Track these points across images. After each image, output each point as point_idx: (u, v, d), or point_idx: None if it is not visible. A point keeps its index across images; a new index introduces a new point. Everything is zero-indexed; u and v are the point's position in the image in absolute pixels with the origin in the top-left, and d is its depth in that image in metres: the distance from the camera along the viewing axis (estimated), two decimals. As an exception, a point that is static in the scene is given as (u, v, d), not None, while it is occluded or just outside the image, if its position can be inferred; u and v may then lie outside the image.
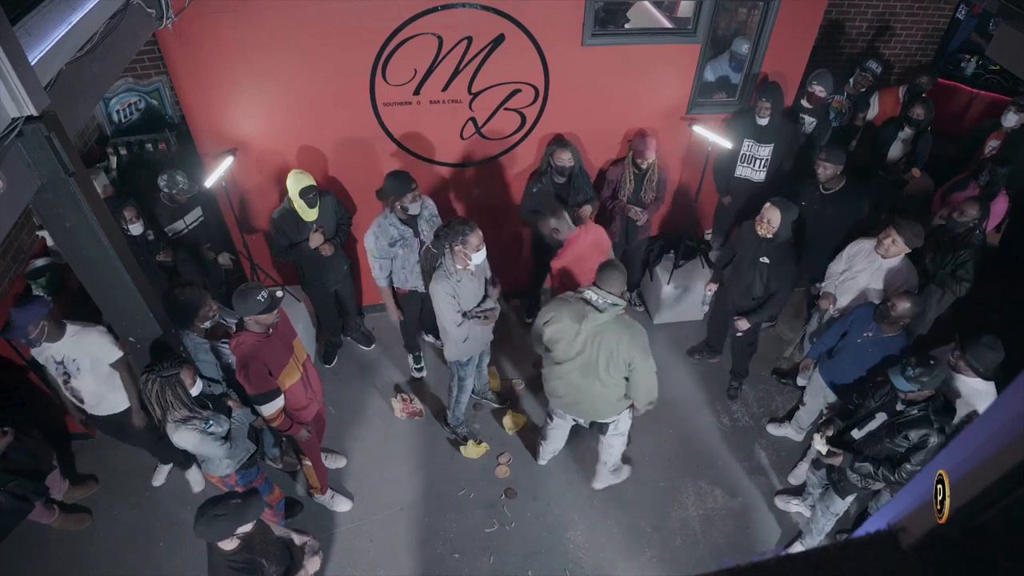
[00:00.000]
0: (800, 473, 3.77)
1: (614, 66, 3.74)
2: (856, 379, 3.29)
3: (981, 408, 2.91)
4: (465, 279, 3.14)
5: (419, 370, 4.40)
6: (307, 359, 3.21)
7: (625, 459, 3.80)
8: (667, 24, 4.41)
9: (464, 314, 3.21)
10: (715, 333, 4.40)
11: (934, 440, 2.64)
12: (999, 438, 0.71)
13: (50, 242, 3.97)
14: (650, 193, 4.04)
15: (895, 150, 4.67)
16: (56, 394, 3.33)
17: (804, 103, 4.47)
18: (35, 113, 1.73)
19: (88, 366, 3.07)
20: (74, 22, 2.02)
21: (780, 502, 3.72)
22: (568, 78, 3.73)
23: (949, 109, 5.52)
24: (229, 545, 2.31)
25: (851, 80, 4.77)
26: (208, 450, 2.63)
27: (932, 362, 2.59)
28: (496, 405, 4.23)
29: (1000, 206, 4.16)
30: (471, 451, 3.93)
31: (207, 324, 2.97)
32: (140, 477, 3.80)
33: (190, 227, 3.92)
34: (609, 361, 2.87)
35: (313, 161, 3.83)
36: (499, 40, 3.51)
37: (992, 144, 4.55)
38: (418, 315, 4.06)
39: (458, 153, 4.00)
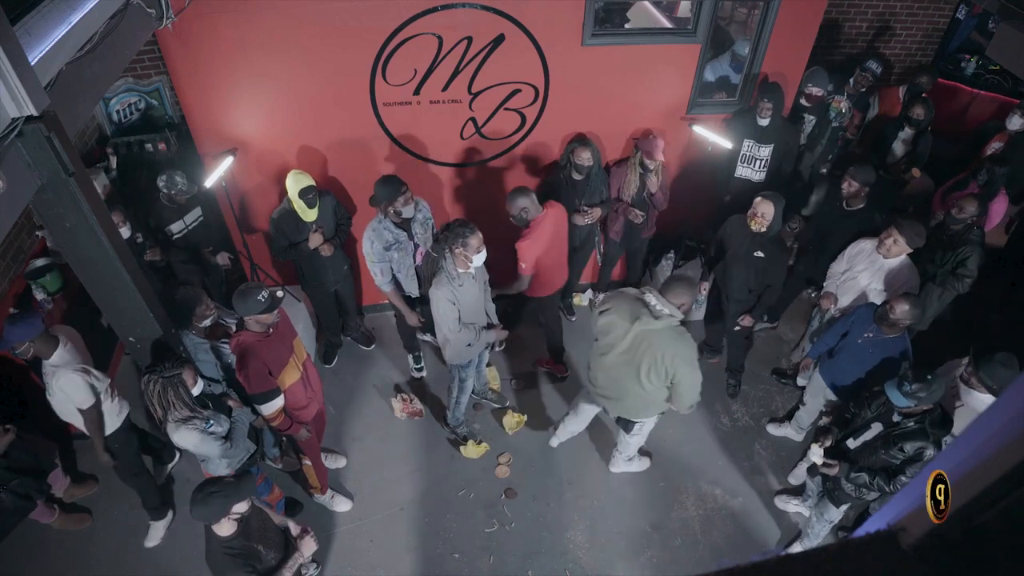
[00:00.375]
0: (800, 473, 3.77)
1: (614, 66, 3.74)
2: (856, 379, 3.29)
3: None
4: (467, 283, 3.13)
5: (419, 370, 4.41)
6: (307, 359, 3.21)
7: (644, 452, 3.83)
8: (667, 24, 4.41)
9: (464, 322, 3.21)
10: (713, 332, 4.41)
11: (930, 453, 2.62)
12: (999, 438, 0.71)
13: (50, 242, 3.97)
14: (658, 194, 4.03)
15: (895, 150, 4.68)
16: None
17: (803, 102, 4.47)
18: (35, 113, 1.73)
19: (59, 398, 2.97)
20: (74, 22, 2.02)
21: (780, 502, 3.72)
22: (568, 78, 3.73)
23: (949, 109, 5.52)
24: (226, 531, 2.31)
25: (851, 80, 4.78)
26: (208, 450, 2.64)
27: (930, 377, 2.55)
28: (496, 405, 4.23)
29: (1000, 206, 4.17)
30: (471, 451, 3.93)
31: (205, 323, 2.98)
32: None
33: (190, 227, 3.92)
34: (651, 368, 2.84)
35: (313, 161, 3.83)
36: (499, 40, 3.51)
37: (995, 145, 4.56)
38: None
39: (458, 153, 4.00)
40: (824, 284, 3.82)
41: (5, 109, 1.68)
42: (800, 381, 4.11)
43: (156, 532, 3.53)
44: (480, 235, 3.00)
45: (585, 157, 3.76)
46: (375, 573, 3.42)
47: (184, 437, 2.59)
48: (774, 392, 4.40)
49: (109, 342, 4.24)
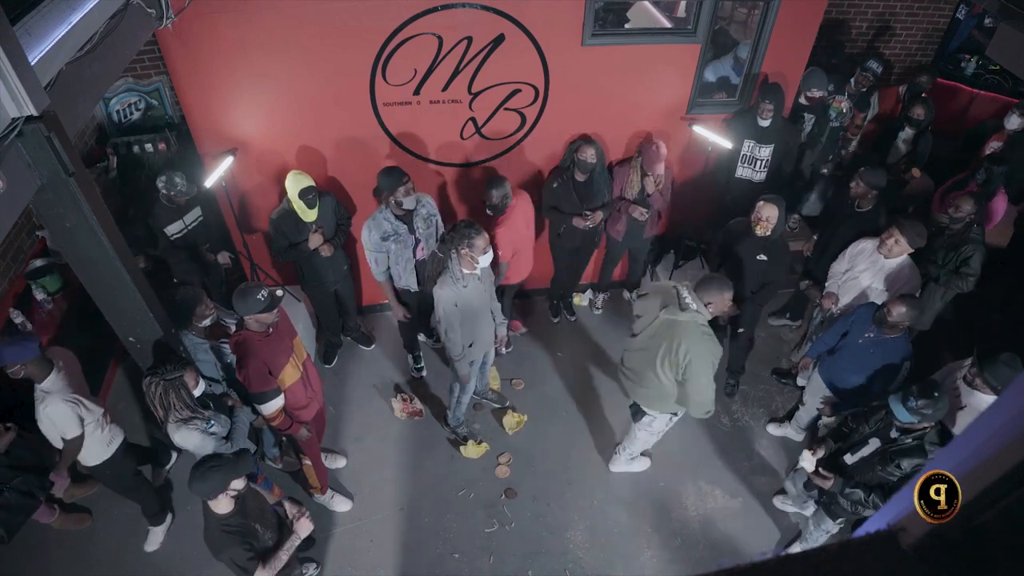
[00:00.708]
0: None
1: (614, 66, 3.74)
2: (856, 379, 3.28)
3: None
4: (472, 284, 3.13)
5: (419, 370, 4.41)
6: (307, 358, 3.21)
7: (644, 453, 3.84)
8: (667, 24, 4.41)
9: (465, 324, 3.22)
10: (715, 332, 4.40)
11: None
12: (999, 438, 0.71)
13: (50, 242, 3.97)
14: (655, 195, 4.02)
15: (895, 150, 4.68)
16: None
17: (803, 101, 4.48)
18: (35, 113, 1.73)
19: (45, 424, 2.91)
20: (74, 22, 2.02)
21: (778, 502, 3.72)
22: (568, 78, 3.73)
23: (949, 109, 5.52)
24: (223, 508, 2.33)
25: (852, 80, 4.78)
26: (209, 450, 2.64)
27: (937, 394, 2.51)
28: (496, 405, 4.23)
29: (999, 205, 4.17)
30: (471, 451, 3.93)
31: (205, 323, 2.98)
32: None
33: (189, 227, 3.91)
34: (665, 358, 2.88)
35: (313, 161, 3.83)
36: (499, 40, 3.51)
37: (993, 145, 4.56)
38: (416, 314, 4.05)
39: (458, 153, 4.00)
40: (826, 284, 3.82)
41: (5, 109, 1.68)
42: (800, 381, 4.11)
43: (155, 537, 3.52)
44: (486, 236, 3.01)
45: (590, 154, 3.75)
46: (375, 573, 3.42)
47: (185, 437, 2.60)
48: (774, 392, 4.40)
49: (107, 348, 4.24)
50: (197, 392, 2.63)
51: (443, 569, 3.44)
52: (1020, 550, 0.71)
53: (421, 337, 4.59)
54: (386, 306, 4.71)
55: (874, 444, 2.74)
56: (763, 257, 3.54)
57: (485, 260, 3.04)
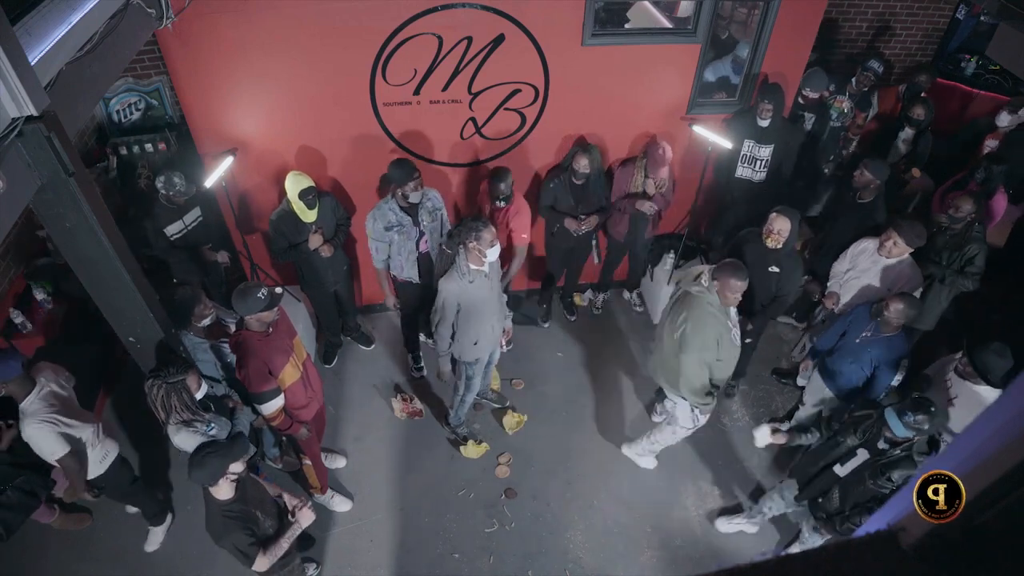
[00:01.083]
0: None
1: (614, 66, 3.74)
2: (855, 379, 3.29)
3: None
4: (478, 280, 3.13)
5: (419, 369, 4.40)
6: (307, 358, 3.21)
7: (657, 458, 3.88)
8: (667, 24, 4.41)
9: (468, 320, 3.24)
10: None
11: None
12: (999, 438, 0.71)
13: (50, 242, 3.97)
14: (656, 196, 4.03)
15: (895, 150, 4.68)
16: None
17: (801, 100, 4.48)
18: (35, 113, 1.73)
19: (32, 444, 2.83)
20: (74, 22, 2.02)
21: (722, 524, 3.61)
22: (568, 78, 3.73)
23: (949, 109, 5.52)
24: (224, 494, 2.35)
25: (853, 80, 4.78)
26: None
27: (934, 409, 2.49)
28: (496, 405, 4.23)
29: (999, 204, 4.17)
30: (471, 451, 3.93)
31: (204, 323, 2.98)
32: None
33: (189, 228, 3.91)
34: (672, 326, 3.09)
35: (313, 161, 3.83)
36: (499, 40, 3.51)
37: (990, 144, 4.57)
38: (417, 309, 4.06)
39: (458, 153, 4.00)
40: (827, 283, 3.82)
41: (5, 109, 1.68)
42: (800, 381, 4.10)
43: (155, 537, 3.52)
44: (493, 230, 3.04)
45: (583, 164, 3.79)
46: (375, 573, 3.42)
47: (185, 440, 2.60)
48: (774, 392, 4.40)
49: (107, 353, 4.24)
50: (199, 395, 2.63)
51: (443, 569, 3.44)
52: (1020, 550, 0.71)
53: (421, 337, 4.59)
54: (386, 306, 4.71)
55: (863, 455, 2.72)
56: (775, 269, 3.49)
57: (493, 254, 3.06)
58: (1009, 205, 4.40)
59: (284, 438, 3.60)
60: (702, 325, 2.95)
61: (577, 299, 4.97)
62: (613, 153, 4.23)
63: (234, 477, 2.33)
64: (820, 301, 3.90)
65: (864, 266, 3.58)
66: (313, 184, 3.52)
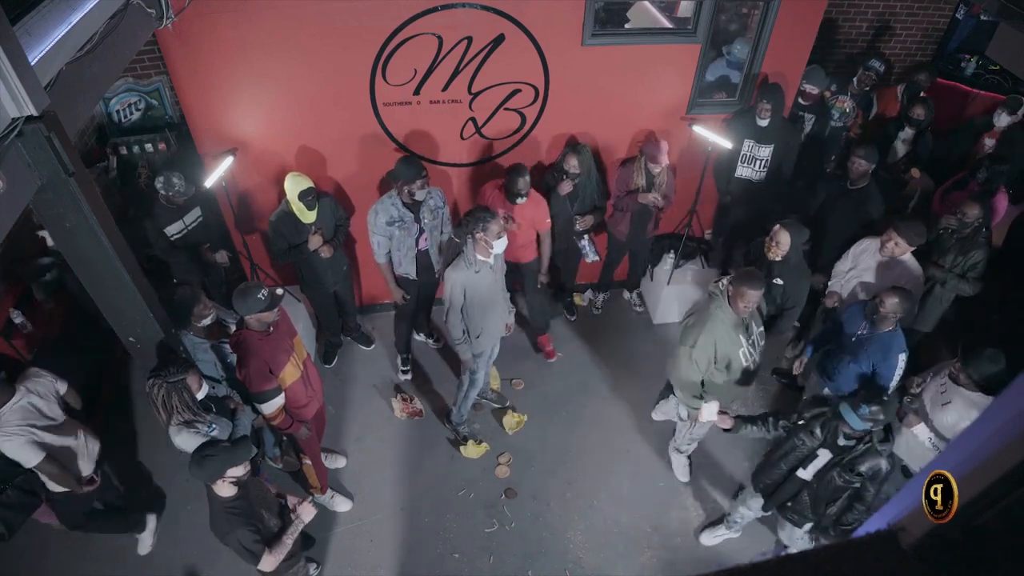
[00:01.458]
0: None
1: (614, 66, 3.74)
2: (853, 376, 3.28)
3: None
4: (484, 271, 3.18)
5: (405, 372, 4.40)
6: (307, 357, 3.21)
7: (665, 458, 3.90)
8: (667, 24, 4.41)
9: (472, 310, 3.28)
10: None
11: (885, 466, 2.62)
12: (999, 438, 0.71)
13: (50, 242, 3.97)
14: (661, 196, 4.03)
15: (896, 150, 4.68)
16: None
17: (801, 100, 4.48)
18: (35, 113, 1.73)
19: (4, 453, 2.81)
20: (74, 22, 2.02)
21: (707, 537, 3.59)
22: (568, 78, 3.73)
23: (949, 109, 5.51)
24: (226, 492, 2.35)
25: (855, 80, 4.78)
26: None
27: (886, 397, 2.54)
28: (496, 405, 4.23)
29: (1000, 204, 4.17)
30: (471, 451, 3.93)
31: (204, 323, 2.98)
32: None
33: (189, 228, 3.91)
34: (686, 319, 3.16)
35: (313, 161, 3.83)
36: (499, 40, 3.51)
37: (989, 143, 4.57)
38: (413, 308, 4.06)
39: (458, 153, 4.00)
40: (828, 283, 3.82)
41: (5, 109, 1.68)
42: (800, 381, 4.10)
43: (145, 541, 3.49)
44: (501, 222, 3.06)
45: (572, 164, 3.80)
46: (375, 573, 3.42)
47: (185, 441, 2.60)
48: (774, 392, 4.40)
49: (106, 355, 4.23)
50: (200, 395, 2.63)
51: (443, 569, 3.44)
52: (1020, 550, 0.71)
53: (421, 337, 4.59)
54: (386, 306, 4.72)
55: (825, 455, 2.73)
56: (779, 281, 3.49)
57: (499, 245, 3.09)
58: (1010, 205, 4.40)
59: (284, 438, 3.60)
60: (703, 323, 2.98)
61: (577, 299, 4.97)
62: (613, 153, 4.23)
63: (233, 479, 2.33)
64: (821, 296, 3.90)
65: (866, 265, 3.58)
66: (312, 185, 3.52)
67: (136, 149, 4.87)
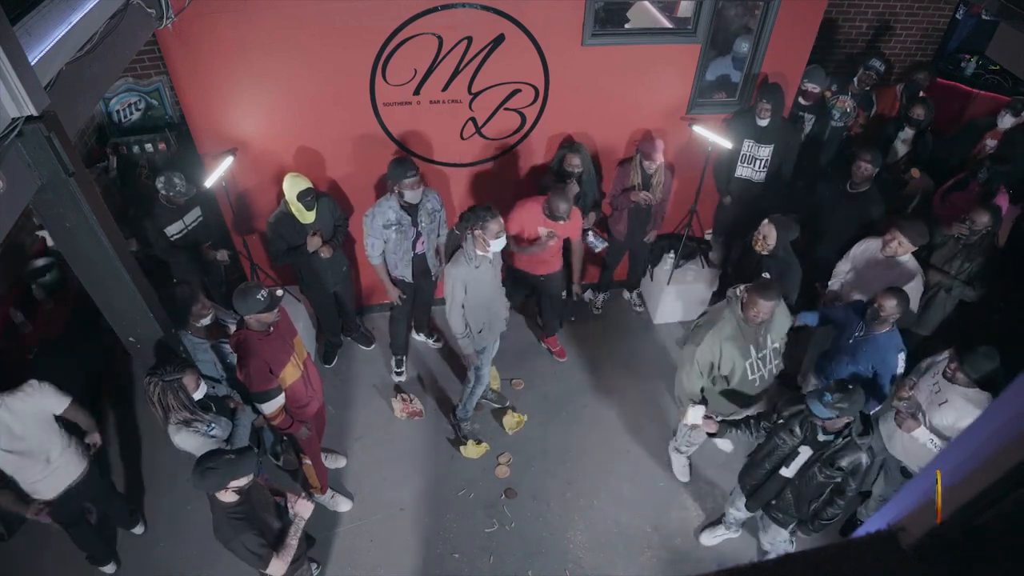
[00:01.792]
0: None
1: (614, 66, 3.74)
2: (852, 378, 3.28)
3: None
4: (484, 266, 3.20)
5: (399, 374, 4.39)
6: (307, 357, 3.21)
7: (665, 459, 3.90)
8: (667, 24, 4.41)
9: (473, 306, 3.30)
10: None
11: (865, 460, 2.62)
12: (999, 438, 0.71)
13: (50, 242, 3.97)
14: (658, 194, 4.04)
15: (896, 150, 4.67)
16: None
17: (801, 100, 4.47)
18: (35, 113, 1.73)
19: None
20: (74, 22, 2.02)
21: (706, 538, 3.59)
22: (568, 78, 3.73)
23: (949, 109, 5.51)
24: (228, 498, 2.35)
25: (855, 79, 4.78)
26: (208, 453, 2.64)
27: (851, 387, 2.53)
28: (496, 405, 4.23)
29: (1001, 204, 4.16)
30: (471, 451, 3.93)
31: (203, 323, 2.98)
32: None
33: (189, 228, 3.91)
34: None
35: (313, 161, 3.83)
36: (499, 40, 3.51)
37: (990, 143, 4.56)
38: (409, 309, 4.05)
39: (458, 153, 4.00)
40: (829, 283, 3.82)
41: (5, 109, 1.68)
42: (799, 381, 4.10)
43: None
44: (501, 221, 3.07)
45: (575, 163, 3.80)
46: (375, 573, 3.42)
47: (184, 440, 2.60)
48: (774, 393, 4.39)
49: (106, 357, 4.23)
50: (198, 395, 2.62)
51: (443, 569, 3.44)
52: (1020, 550, 0.71)
53: (420, 337, 4.59)
54: (386, 306, 4.71)
55: (806, 452, 2.74)
56: (766, 275, 3.48)
57: (497, 244, 3.10)
58: (1010, 205, 4.40)
59: (284, 438, 3.60)
60: (712, 323, 3.02)
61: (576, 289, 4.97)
62: (614, 153, 4.23)
63: (236, 489, 2.32)
64: (819, 301, 3.90)
65: (865, 265, 3.58)
66: (311, 185, 3.52)
67: (136, 149, 4.87)
